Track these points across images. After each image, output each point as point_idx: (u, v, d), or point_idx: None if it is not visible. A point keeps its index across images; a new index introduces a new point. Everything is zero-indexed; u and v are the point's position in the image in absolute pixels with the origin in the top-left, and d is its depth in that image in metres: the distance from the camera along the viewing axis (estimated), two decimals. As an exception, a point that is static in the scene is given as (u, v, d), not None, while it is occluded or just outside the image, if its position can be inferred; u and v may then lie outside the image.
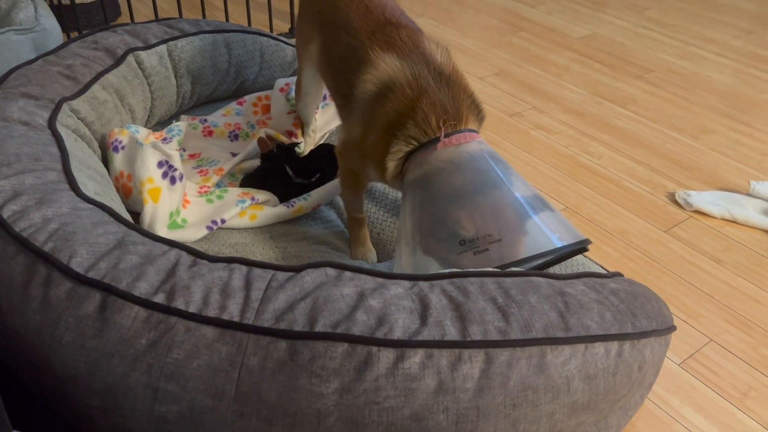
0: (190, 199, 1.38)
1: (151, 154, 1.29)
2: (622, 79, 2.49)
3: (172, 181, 1.30)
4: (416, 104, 1.07)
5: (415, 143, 1.07)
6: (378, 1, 1.24)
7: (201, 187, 1.44)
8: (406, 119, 1.08)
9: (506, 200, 1.00)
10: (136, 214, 1.29)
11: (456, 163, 1.03)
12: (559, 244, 0.96)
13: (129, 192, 1.30)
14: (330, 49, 1.27)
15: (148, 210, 1.26)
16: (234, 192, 1.41)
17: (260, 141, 1.51)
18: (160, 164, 1.30)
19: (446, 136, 1.05)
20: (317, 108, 1.60)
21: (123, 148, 1.32)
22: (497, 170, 1.03)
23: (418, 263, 1.02)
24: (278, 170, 1.48)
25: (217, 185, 1.48)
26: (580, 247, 0.98)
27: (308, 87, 1.47)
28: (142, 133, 1.44)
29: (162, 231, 1.27)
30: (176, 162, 1.31)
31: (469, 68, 2.53)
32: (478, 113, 1.11)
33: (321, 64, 1.32)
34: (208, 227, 1.32)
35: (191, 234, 1.30)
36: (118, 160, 1.32)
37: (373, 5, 1.23)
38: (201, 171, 1.52)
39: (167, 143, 1.49)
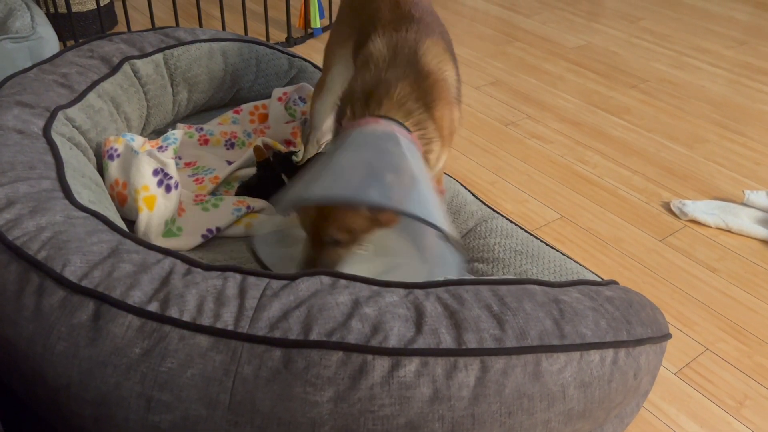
0: (186, 207, 1.38)
1: (146, 162, 1.29)
2: (617, 89, 2.50)
3: (168, 189, 1.30)
4: (370, 81, 1.14)
5: (347, 110, 1.13)
6: None
7: (196, 196, 1.44)
8: (355, 86, 1.16)
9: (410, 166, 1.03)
10: (131, 222, 1.29)
11: (365, 133, 1.08)
12: (443, 228, 0.95)
13: (124, 200, 1.29)
14: (360, 41, 1.31)
15: (143, 218, 1.26)
16: (230, 200, 1.41)
17: (256, 149, 1.51)
18: (155, 172, 1.30)
19: (364, 117, 1.10)
20: (332, 113, 1.58)
21: (118, 156, 1.32)
22: (403, 149, 1.06)
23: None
24: (274, 178, 1.48)
25: (213, 193, 1.48)
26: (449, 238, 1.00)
27: (332, 84, 1.48)
28: (138, 141, 1.44)
29: (157, 239, 1.27)
30: (171, 170, 1.31)
31: (465, 78, 2.54)
32: (410, 114, 1.13)
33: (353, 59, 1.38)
34: (203, 235, 1.32)
35: (186, 242, 1.30)
36: (114, 168, 1.31)
37: (403, 1, 1.28)
38: (197, 179, 1.52)
39: (163, 151, 1.49)
